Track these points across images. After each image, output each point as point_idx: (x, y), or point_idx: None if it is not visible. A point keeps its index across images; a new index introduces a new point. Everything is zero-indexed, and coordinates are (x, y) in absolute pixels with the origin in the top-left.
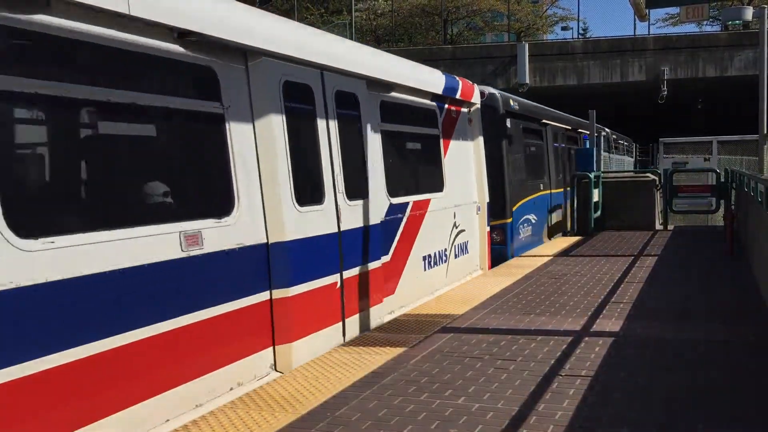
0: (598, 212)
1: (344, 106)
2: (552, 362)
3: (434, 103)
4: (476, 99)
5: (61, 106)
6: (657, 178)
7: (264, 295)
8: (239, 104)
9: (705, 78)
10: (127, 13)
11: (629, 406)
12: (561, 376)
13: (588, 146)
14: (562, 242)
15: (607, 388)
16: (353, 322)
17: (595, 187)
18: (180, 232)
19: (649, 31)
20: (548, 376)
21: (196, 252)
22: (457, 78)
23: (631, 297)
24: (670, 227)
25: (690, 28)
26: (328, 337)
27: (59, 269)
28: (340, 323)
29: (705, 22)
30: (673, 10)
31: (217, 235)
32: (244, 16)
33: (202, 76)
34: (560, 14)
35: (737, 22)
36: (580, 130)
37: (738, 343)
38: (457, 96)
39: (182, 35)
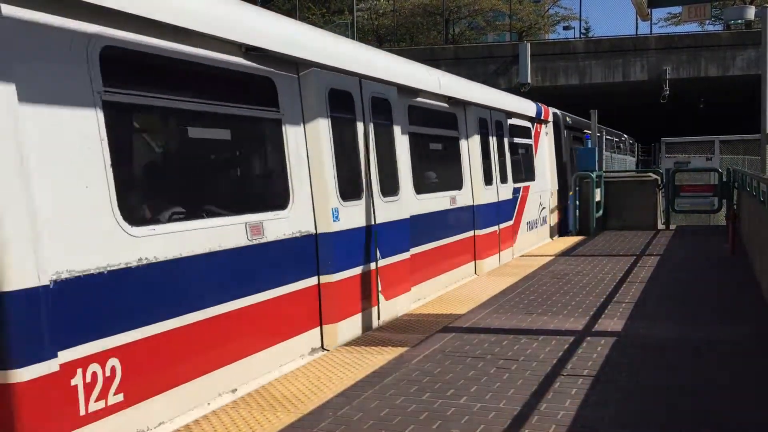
0: (600, 212)
1: (498, 129)
2: (554, 362)
3: (529, 123)
4: (550, 118)
5: (422, 138)
6: (659, 178)
7: (495, 228)
8: (461, 132)
9: (707, 77)
10: (438, 92)
11: (631, 406)
12: (563, 375)
13: (590, 145)
14: (563, 242)
15: (609, 387)
16: (503, 254)
17: (596, 187)
18: (449, 196)
19: (651, 31)
20: (550, 376)
21: (459, 204)
22: (540, 104)
23: (633, 297)
24: (672, 227)
25: (692, 27)
26: (496, 259)
27: (422, 208)
28: (498, 254)
29: (707, 22)
30: (675, 9)
31: (487, 195)
32: (469, 86)
33: (453, 118)
34: (562, 14)
35: (739, 21)
36: (607, 137)
37: (740, 343)
38: (541, 117)
39: (449, 99)
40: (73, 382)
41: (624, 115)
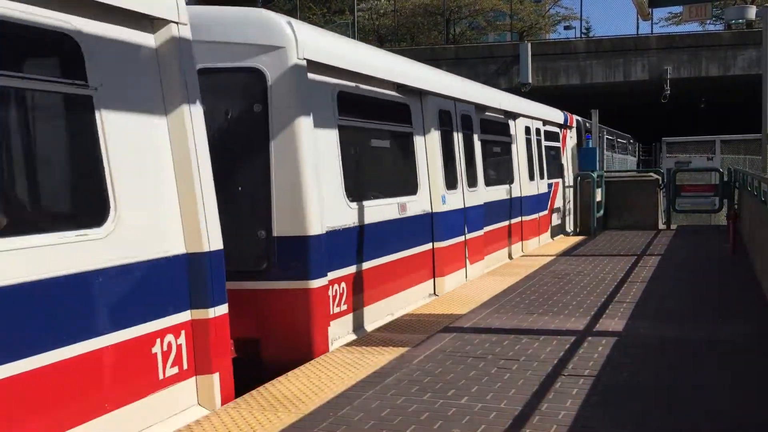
0: (601, 212)
1: (537, 135)
2: (555, 362)
3: (558, 129)
4: (574, 124)
5: (488, 143)
6: (660, 178)
7: (537, 215)
8: (512, 138)
9: (708, 77)
10: (499, 107)
11: (632, 406)
12: (564, 375)
13: (590, 145)
14: (564, 242)
15: (610, 387)
16: (542, 237)
17: (597, 187)
18: (504, 188)
19: (651, 31)
20: (551, 376)
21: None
22: (566, 113)
23: (634, 296)
24: (673, 227)
25: (693, 27)
26: (536, 240)
27: (489, 198)
28: (537, 237)
29: (708, 22)
30: (676, 9)
31: (530, 189)
32: (519, 102)
33: (507, 127)
34: (563, 13)
35: (740, 21)
36: (619, 140)
37: (741, 343)
38: (567, 123)
39: (505, 112)
40: (329, 293)
41: (625, 115)
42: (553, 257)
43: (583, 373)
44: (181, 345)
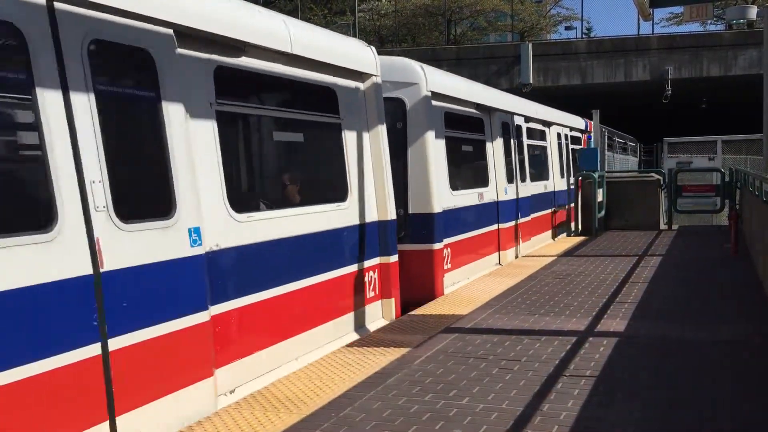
0: (602, 212)
1: (565, 139)
2: (556, 362)
3: (580, 134)
4: (593, 129)
5: (531, 147)
6: (661, 178)
7: (550, 210)
8: (547, 142)
9: (709, 77)
10: (538, 117)
11: (634, 407)
12: (565, 376)
13: (592, 145)
14: (566, 242)
15: (612, 388)
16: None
17: (599, 187)
18: (542, 184)
19: (652, 31)
20: (553, 377)
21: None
22: (587, 120)
23: (635, 297)
24: (675, 227)
25: (694, 27)
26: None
27: (533, 191)
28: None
29: (708, 22)
30: (677, 9)
31: (562, 184)
32: (553, 112)
33: (544, 133)
34: (564, 14)
35: (741, 21)
36: (630, 143)
37: (743, 344)
38: (587, 128)
39: (542, 122)
40: (443, 254)
41: (626, 116)
42: (554, 257)
43: (584, 374)
44: (375, 279)
